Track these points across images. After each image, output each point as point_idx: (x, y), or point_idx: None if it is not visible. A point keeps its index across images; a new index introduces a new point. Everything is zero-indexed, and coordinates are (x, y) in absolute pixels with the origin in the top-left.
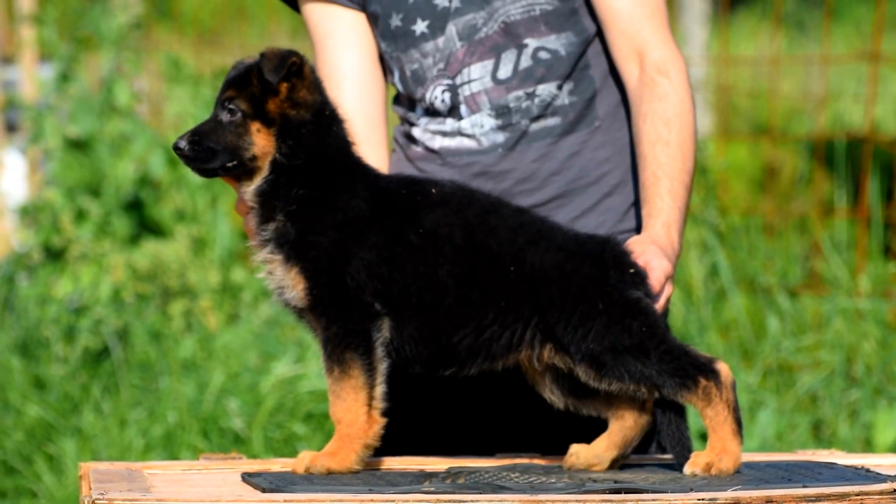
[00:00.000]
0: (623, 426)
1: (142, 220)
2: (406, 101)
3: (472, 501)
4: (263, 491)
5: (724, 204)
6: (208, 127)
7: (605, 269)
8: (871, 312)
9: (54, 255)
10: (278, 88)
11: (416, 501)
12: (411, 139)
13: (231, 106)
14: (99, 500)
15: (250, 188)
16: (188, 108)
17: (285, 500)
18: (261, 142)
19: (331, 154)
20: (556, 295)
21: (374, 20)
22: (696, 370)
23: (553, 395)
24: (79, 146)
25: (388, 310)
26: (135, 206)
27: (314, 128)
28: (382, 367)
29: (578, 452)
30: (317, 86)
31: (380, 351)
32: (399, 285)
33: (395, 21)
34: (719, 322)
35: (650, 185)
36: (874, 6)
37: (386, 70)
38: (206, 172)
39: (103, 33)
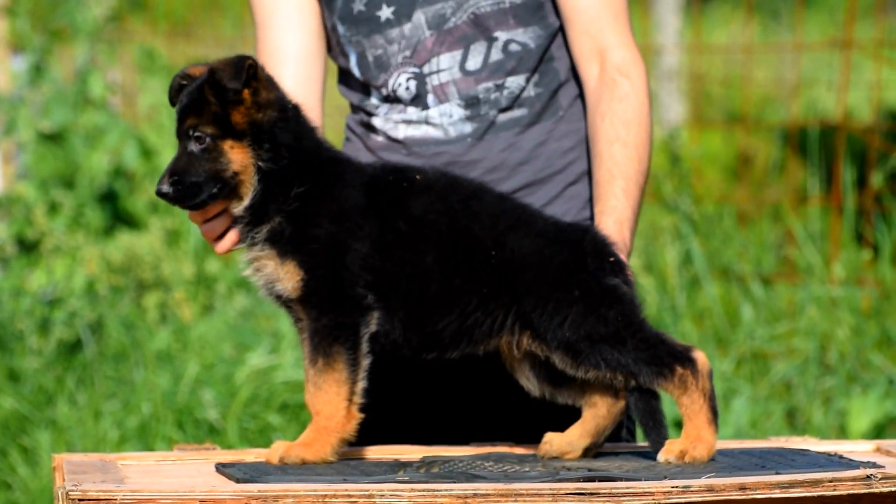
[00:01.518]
0: (596, 414)
1: (116, 212)
2: (360, 87)
3: (446, 490)
4: (237, 481)
5: (698, 192)
6: (183, 162)
7: (582, 256)
8: (845, 300)
9: (28, 248)
10: (242, 97)
11: (391, 491)
12: (370, 128)
13: (197, 133)
14: (72, 491)
15: (242, 204)
16: (162, 100)
17: (259, 491)
18: (237, 157)
19: (308, 146)
20: (532, 281)
21: (327, 2)
22: (673, 359)
23: (529, 383)
24: (52, 138)
25: (379, 299)
26: (109, 198)
27: (284, 124)
28: (366, 362)
29: (552, 440)
30: (272, 82)
31: (365, 346)
32: (390, 274)
33: (358, 5)
34: (693, 310)
35: (605, 183)
36: None
37: (337, 53)
38: (195, 206)
39: (77, 25)
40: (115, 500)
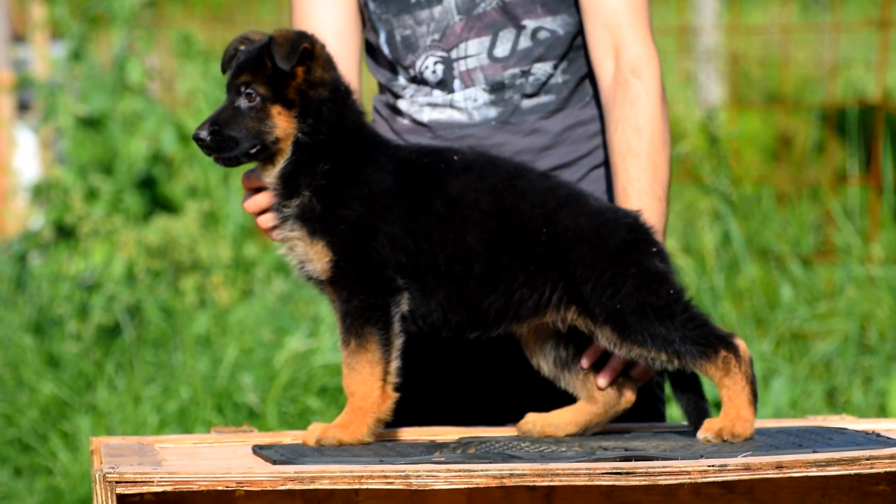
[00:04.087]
0: (590, 410)
1: (154, 197)
2: (387, 66)
3: (482, 471)
4: (274, 463)
5: (737, 173)
6: (227, 114)
7: (637, 238)
8: (884, 279)
9: (66, 233)
10: (295, 73)
11: (427, 472)
12: (396, 111)
13: (249, 90)
14: (110, 473)
15: (274, 171)
16: (199, 85)
17: (296, 472)
18: (282, 124)
19: (349, 127)
20: (588, 254)
21: None
22: (718, 340)
23: (542, 363)
24: (91, 124)
25: (412, 282)
26: (147, 184)
27: (332, 104)
28: (399, 342)
29: (535, 421)
30: (330, 63)
31: (397, 326)
32: (427, 255)
33: None
34: (732, 291)
35: (621, 201)
36: None
37: (368, 28)
38: (228, 161)
39: (115, 11)
40: (153, 482)
